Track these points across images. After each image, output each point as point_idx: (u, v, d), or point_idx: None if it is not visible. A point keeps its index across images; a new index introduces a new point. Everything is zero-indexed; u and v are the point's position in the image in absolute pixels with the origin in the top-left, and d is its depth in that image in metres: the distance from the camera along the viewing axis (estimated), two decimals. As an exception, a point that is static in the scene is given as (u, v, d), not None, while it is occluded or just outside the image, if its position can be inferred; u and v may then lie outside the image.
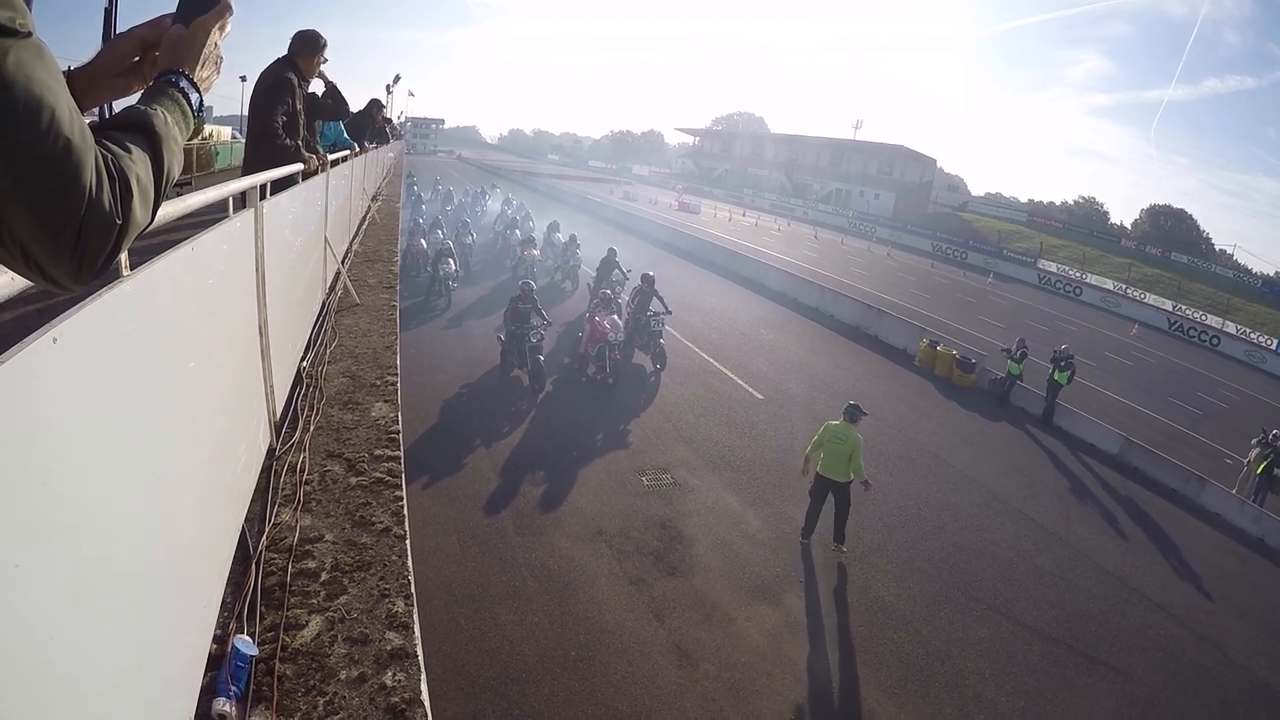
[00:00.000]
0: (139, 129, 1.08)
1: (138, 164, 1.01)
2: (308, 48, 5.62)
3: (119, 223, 0.95)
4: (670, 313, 16.71)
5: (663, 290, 16.82)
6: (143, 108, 1.13)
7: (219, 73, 1.41)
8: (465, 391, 13.69)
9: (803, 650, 8.01)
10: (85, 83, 1.36)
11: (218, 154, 29.72)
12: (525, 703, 6.68)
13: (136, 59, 1.40)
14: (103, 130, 1.03)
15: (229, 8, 1.36)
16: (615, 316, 15.37)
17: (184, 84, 1.27)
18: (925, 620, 8.93)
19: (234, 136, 34.70)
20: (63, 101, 0.86)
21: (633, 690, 7.01)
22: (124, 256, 1.52)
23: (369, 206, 13.29)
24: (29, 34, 0.84)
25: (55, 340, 1.11)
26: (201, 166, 26.73)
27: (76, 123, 0.88)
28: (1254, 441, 16.89)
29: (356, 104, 9.23)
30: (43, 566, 1.06)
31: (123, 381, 1.44)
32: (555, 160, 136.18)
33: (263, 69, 5.58)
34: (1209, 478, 15.42)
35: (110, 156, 0.96)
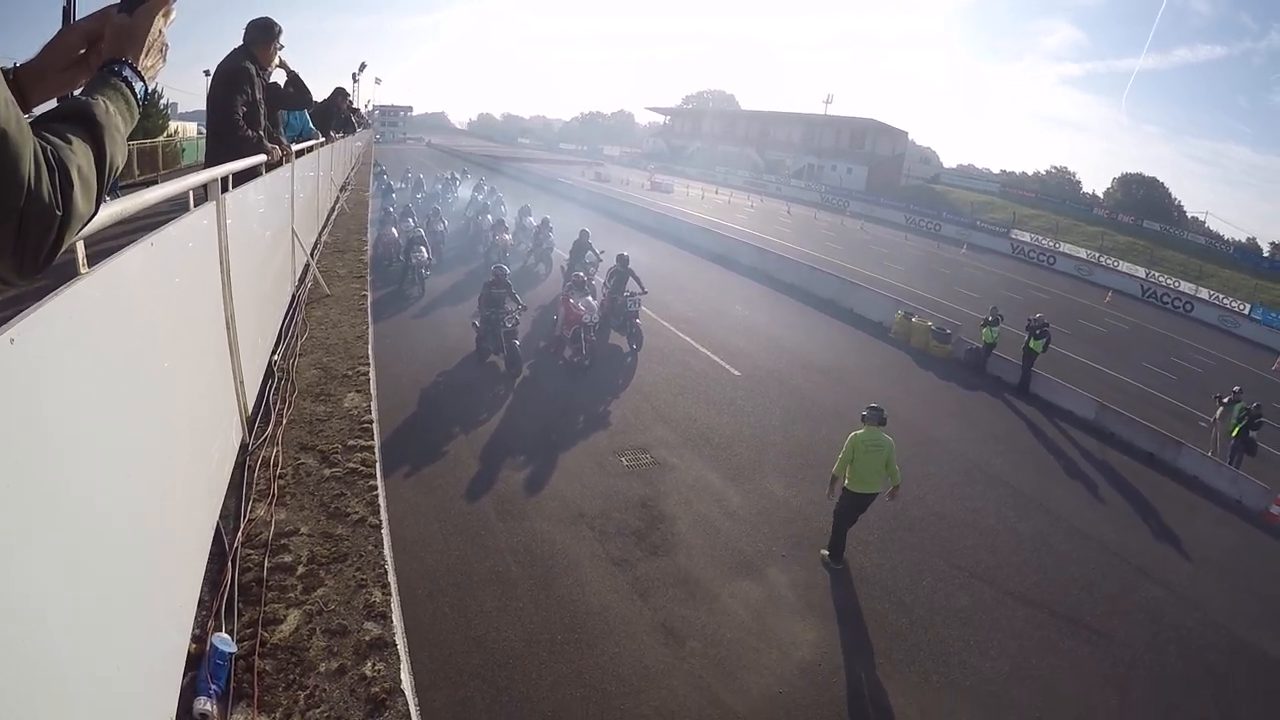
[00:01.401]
0: (79, 119, 1.06)
1: (78, 154, 1.00)
2: (263, 36, 5.54)
3: (59, 214, 0.93)
4: (646, 293, 16.65)
5: (637, 270, 16.78)
6: (84, 98, 1.11)
7: (165, 61, 1.39)
8: (442, 379, 13.62)
9: (787, 624, 8.07)
10: (33, 77, 1.33)
11: (184, 151, 29.41)
12: (513, 688, 6.69)
13: (83, 51, 1.37)
14: (43, 122, 1.01)
15: None
16: (590, 298, 15.26)
17: (127, 73, 1.25)
18: (908, 590, 9.02)
19: (199, 132, 34.35)
20: None
21: (620, 671, 7.04)
22: (81, 253, 1.49)
23: (337, 197, 13.18)
24: None
25: (12, 341, 1.09)
26: (168, 164, 26.47)
27: (13, 114, 0.86)
28: (1217, 399, 17.19)
29: (322, 94, 9.12)
30: (17, 575, 1.05)
31: (86, 381, 1.42)
32: (526, 144, 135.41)
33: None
34: (1185, 441, 15.66)
35: (49, 148, 0.94)
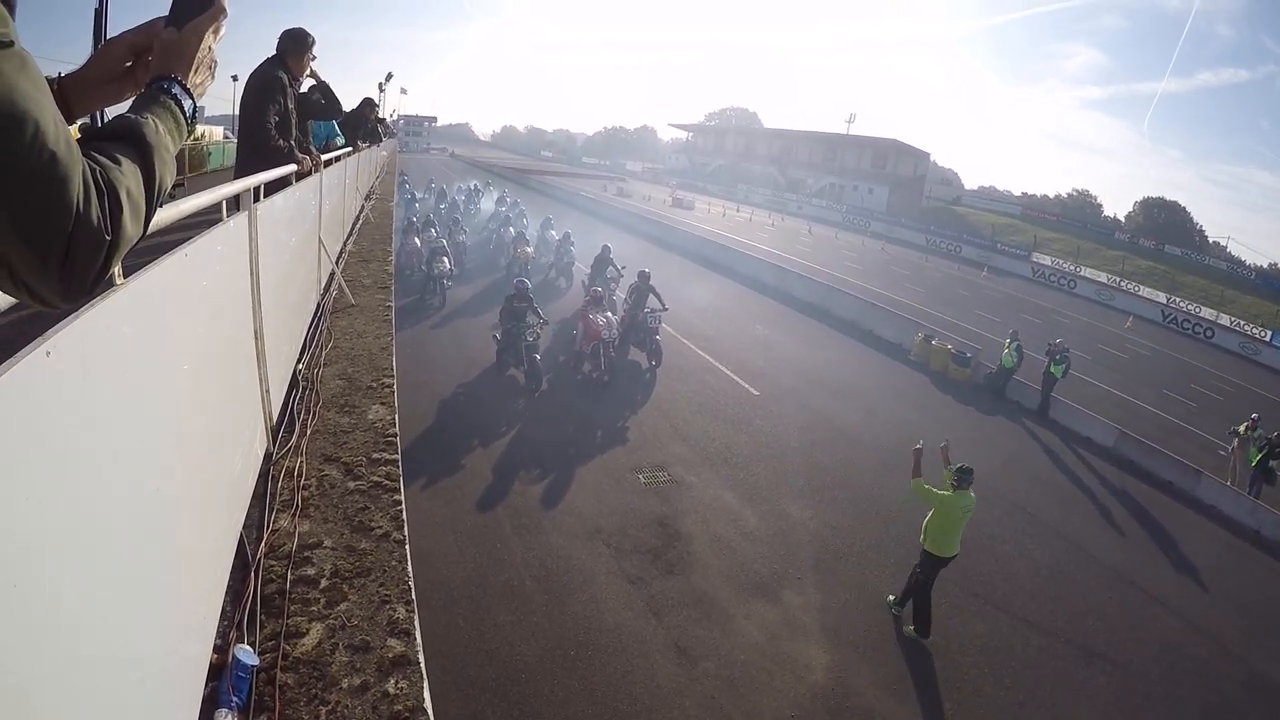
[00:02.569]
0: (129, 139, 1.05)
1: (128, 176, 0.98)
2: (296, 46, 5.58)
3: (108, 239, 0.91)
4: (667, 309, 16.68)
5: (657, 286, 16.80)
6: (133, 117, 1.09)
7: (213, 77, 1.38)
8: (461, 391, 13.66)
9: (801, 647, 8.01)
10: (77, 89, 1.33)
11: (210, 154, 29.59)
12: (525, 703, 6.66)
13: (129, 64, 1.36)
14: (91, 141, 1.00)
15: (223, 10, 1.33)
16: (609, 314, 15.35)
17: (176, 90, 1.24)
18: (924, 616, 8.94)
19: (226, 136, 34.59)
20: (47, 113, 0.83)
21: (632, 689, 7.01)
22: (117, 264, 1.49)
23: (362, 206, 13.24)
24: (11, 44, 0.81)
25: (48, 354, 1.09)
26: (194, 167, 26.66)
27: (62, 135, 0.85)
28: (1231, 430, 17.05)
29: (349, 103, 9.18)
30: (42, 584, 1.04)
31: (117, 391, 1.42)
32: (549, 156, 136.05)
33: (252, 70, 5.55)
34: (1204, 470, 15.47)
35: (98, 169, 0.93)
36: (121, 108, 1.25)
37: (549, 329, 15.89)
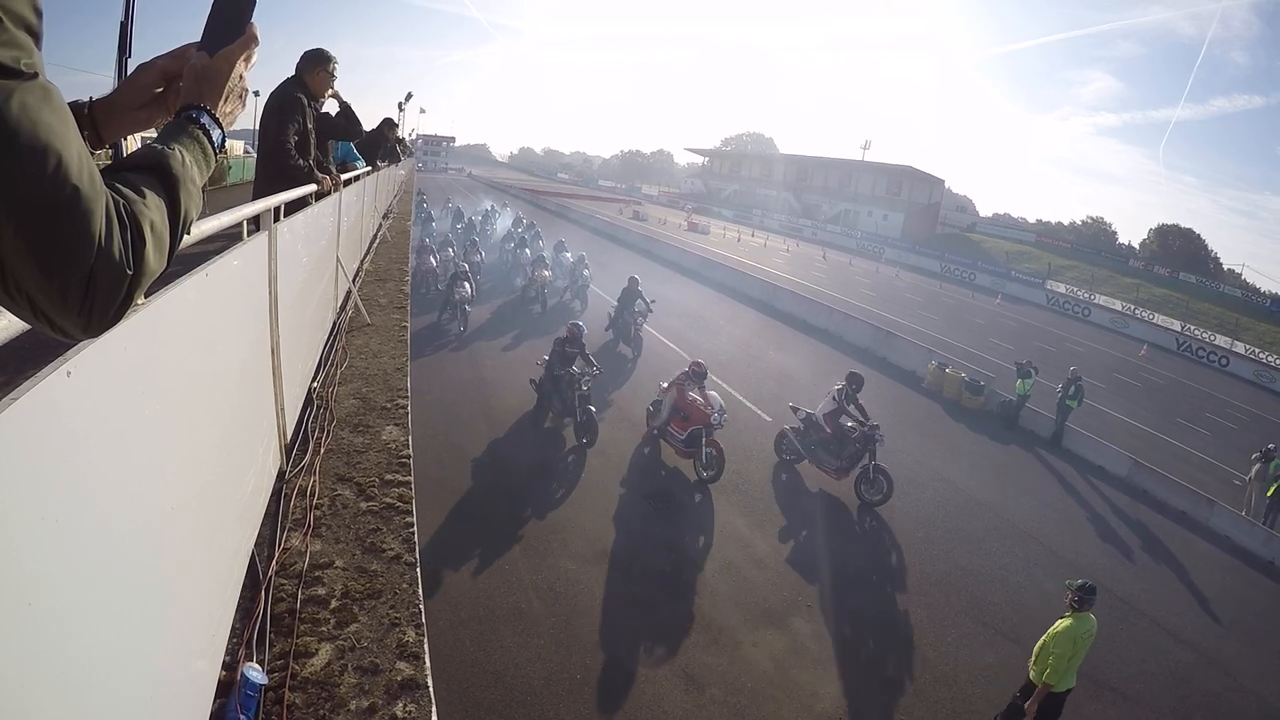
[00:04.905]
0: (155, 171, 1.04)
1: (152, 209, 0.98)
2: (315, 65, 5.64)
3: (130, 272, 0.91)
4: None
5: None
6: (160, 147, 1.09)
7: (244, 106, 1.36)
8: (477, 410, 13.65)
9: (809, 675, 7.94)
10: (106, 115, 1.33)
11: (230, 169, 29.85)
12: (531, 726, 6.63)
13: (159, 90, 1.36)
14: (116, 172, 0.99)
15: (255, 39, 1.32)
16: (714, 393, 12.92)
17: (205, 120, 1.23)
18: (932, 646, 8.85)
19: (246, 151, 34.85)
20: (71, 146, 0.82)
21: (638, 714, 6.95)
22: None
23: (380, 224, 13.32)
24: (35, 75, 0.80)
25: (69, 374, 1.10)
26: (213, 181, 26.87)
27: (86, 168, 0.84)
28: (1254, 457, 16.87)
29: (369, 122, 9.25)
30: (55, 598, 1.05)
31: (135, 410, 1.43)
32: (565, 179, 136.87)
33: (272, 89, 5.62)
34: (1218, 500, 15.33)
35: (122, 201, 0.92)
36: (149, 133, 1.25)
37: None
